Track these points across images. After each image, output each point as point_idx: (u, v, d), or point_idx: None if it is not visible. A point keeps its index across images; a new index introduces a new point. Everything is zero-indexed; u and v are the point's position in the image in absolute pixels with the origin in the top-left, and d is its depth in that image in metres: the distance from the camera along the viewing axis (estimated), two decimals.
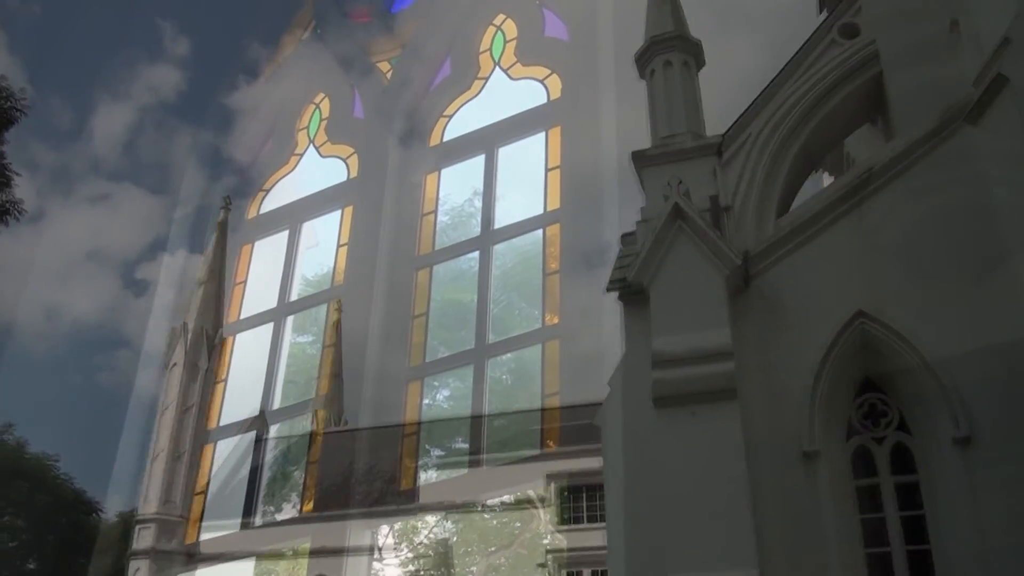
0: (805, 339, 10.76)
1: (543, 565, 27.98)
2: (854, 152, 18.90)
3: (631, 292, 11.12)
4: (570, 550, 28.09)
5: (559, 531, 28.61)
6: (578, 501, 28.92)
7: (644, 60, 13.30)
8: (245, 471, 37.95)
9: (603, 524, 27.41)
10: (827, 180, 17.59)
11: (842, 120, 13.14)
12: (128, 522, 37.73)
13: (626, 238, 12.26)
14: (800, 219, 11.48)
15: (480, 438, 36.86)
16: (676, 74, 12.97)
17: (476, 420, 34.55)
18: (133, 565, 34.91)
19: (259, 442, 38.13)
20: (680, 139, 12.35)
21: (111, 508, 41.70)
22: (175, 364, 39.89)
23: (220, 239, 35.60)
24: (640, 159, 12.28)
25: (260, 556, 33.86)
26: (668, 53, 13.06)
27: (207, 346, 37.14)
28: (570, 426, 30.66)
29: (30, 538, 38.96)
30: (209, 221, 36.29)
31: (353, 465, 36.71)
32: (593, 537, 27.97)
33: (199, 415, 36.84)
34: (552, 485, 28.91)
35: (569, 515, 28.82)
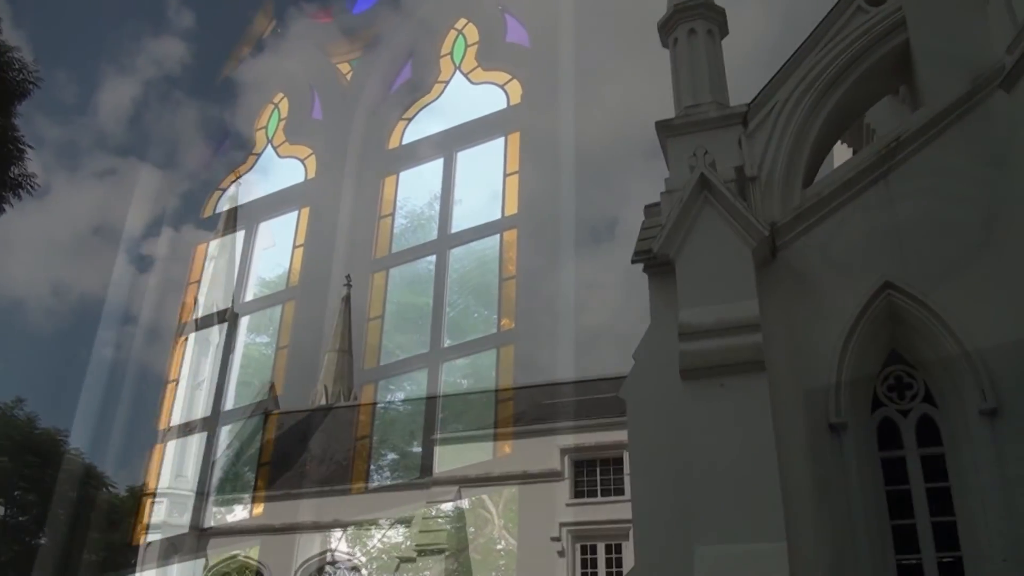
0: (832, 310, 10.66)
1: (557, 539, 28.05)
2: (875, 124, 18.79)
3: (656, 264, 11.01)
4: (584, 523, 28.18)
5: (573, 504, 28.68)
6: (592, 475, 28.99)
7: (668, 28, 13.08)
8: (255, 448, 38.22)
9: (616, 498, 27.86)
10: (842, 152, 17.50)
11: (867, 89, 12.94)
12: (138, 497, 37.92)
13: (649, 209, 12.14)
14: (827, 189, 11.32)
15: (433, 429, 37.24)
16: (700, 42, 12.76)
17: (430, 420, 34.99)
18: (145, 540, 35.16)
19: (267, 417, 38.40)
20: (705, 109, 12.17)
21: (119, 483, 41.94)
22: (186, 339, 40.11)
23: (231, 214, 35.64)
24: (664, 129, 12.12)
25: (271, 532, 34.01)
26: (692, 21, 12.84)
27: (218, 321, 37.28)
28: (584, 400, 30.75)
29: (40, 513, 39.12)
30: (211, 197, 36.27)
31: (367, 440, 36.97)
32: (606, 511, 28.11)
33: (214, 391, 37.03)
34: (566, 459, 28.98)
35: (583, 489, 28.91)
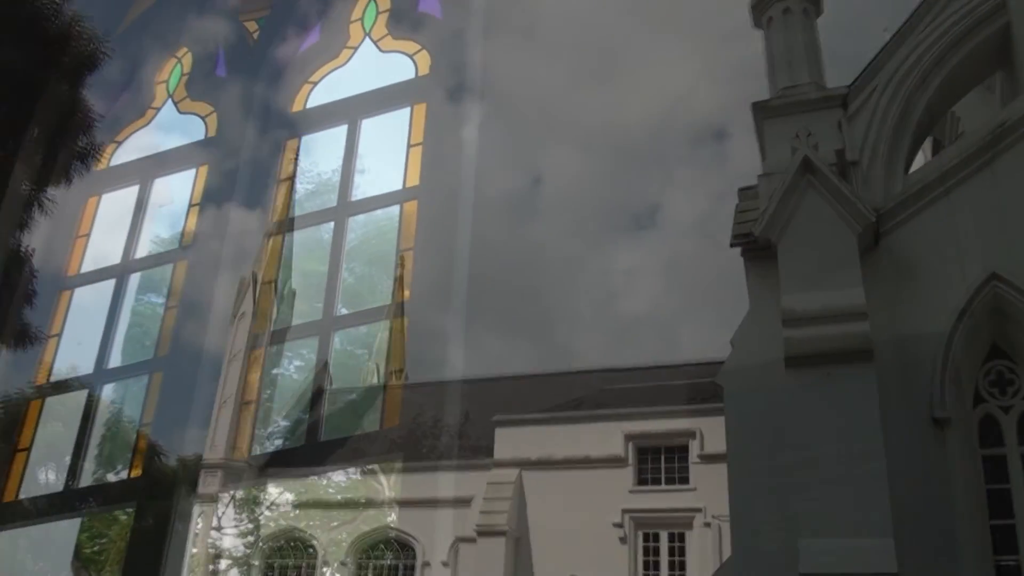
0: (936, 300, 10.35)
1: (619, 525, 27.88)
2: (960, 114, 18.30)
3: (756, 248, 10.76)
4: (647, 511, 27.98)
5: (636, 491, 28.46)
6: (656, 463, 28.75)
7: (761, 7, 12.78)
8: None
9: (680, 486, 27.64)
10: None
11: (966, 74, 12.52)
12: (189, 467, 38.28)
13: (744, 192, 11.87)
14: (931, 176, 10.99)
15: (319, 411, 37.03)
16: (796, 21, 12.47)
17: (318, 393, 34.71)
18: (197, 509, 35.54)
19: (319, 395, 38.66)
20: (803, 90, 11.88)
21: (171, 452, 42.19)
22: (243, 313, 40.37)
23: (288, 189, 35.68)
24: (762, 110, 11.85)
25: (331, 506, 34.24)
26: (787, 0, 12.55)
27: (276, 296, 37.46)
28: (650, 387, 30.53)
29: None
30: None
31: (418, 419, 37.06)
32: (669, 499, 27.88)
33: (267, 363, 37.28)
34: (631, 445, 28.75)
35: (647, 476, 28.68)
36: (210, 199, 29.84)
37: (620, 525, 27.88)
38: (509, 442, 30.26)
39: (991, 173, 10.89)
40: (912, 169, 12.24)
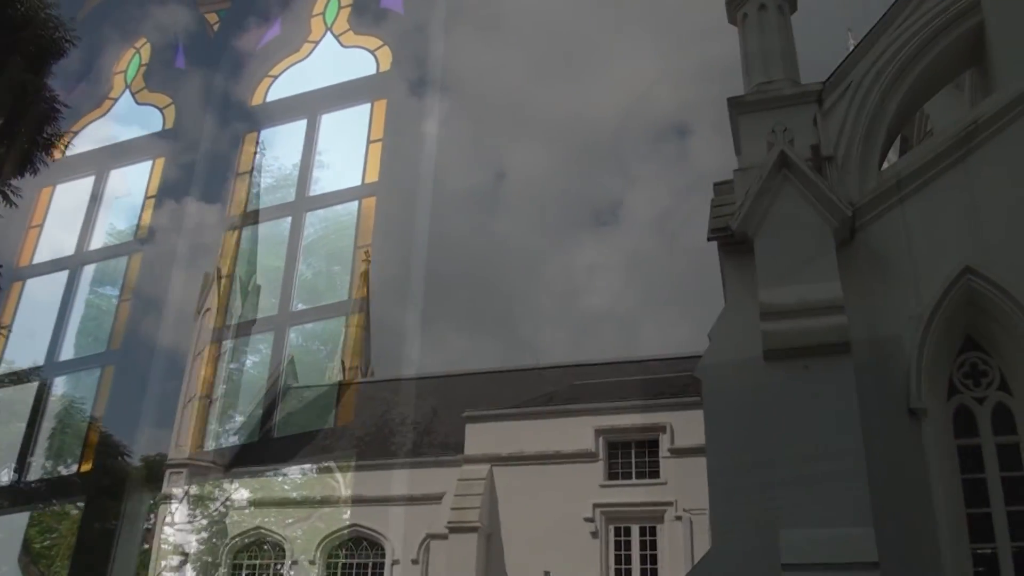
0: (910, 294, 10.52)
1: (590, 519, 27.93)
2: (931, 113, 18.53)
3: (733, 242, 10.83)
4: (618, 505, 28.05)
5: (607, 486, 28.51)
6: (627, 457, 28.83)
7: (736, 3, 12.85)
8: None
9: (651, 481, 27.73)
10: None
11: (939, 72, 12.66)
12: (152, 467, 37.81)
13: (719, 187, 11.94)
14: (906, 171, 11.13)
15: (275, 408, 37.01)
16: (771, 18, 12.53)
17: (275, 390, 34.45)
18: (164, 508, 35.15)
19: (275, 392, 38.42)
20: (778, 85, 11.94)
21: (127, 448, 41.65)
22: (208, 309, 39.94)
23: (247, 184, 35.30)
24: (737, 105, 11.90)
25: (292, 503, 33.96)
26: None
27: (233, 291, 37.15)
28: (619, 381, 30.63)
29: None
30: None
31: (385, 415, 36.94)
32: (640, 493, 27.98)
33: (227, 359, 36.98)
34: (601, 439, 28.80)
35: (618, 470, 28.74)
36: (167, 192, 29.43)
37: (591, 520, 27.94)
38: (479, 438, 30.22)
39: (964, 169, 11.05)
40: (885, 166, 12.39)
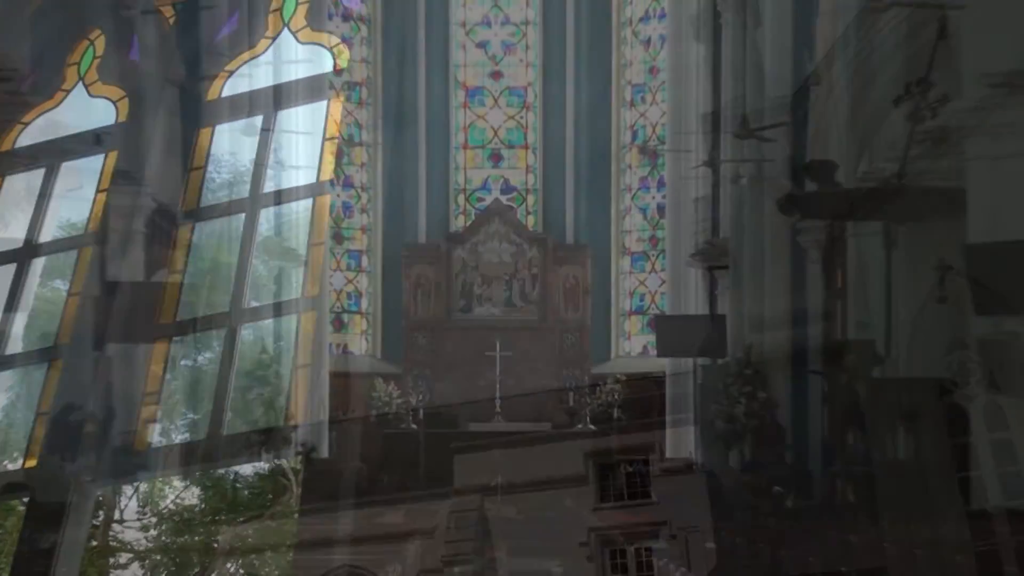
0: (898, 295, 10.59)
1: (584, 544, 27.57)
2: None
3: (715, 255, 10.94)
4: (612, 528, 27.71)
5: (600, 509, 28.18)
6: (617, 479, 28.53)
7: (702, 19, 13.06)
8: None
9: (643, 501, 27.44)
10: None
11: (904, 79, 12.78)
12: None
13: (698, 202, 12.06)
14: (882, 175, 11.22)
15: (222, 409, 36.22)
16: (736, 34, 12.69)
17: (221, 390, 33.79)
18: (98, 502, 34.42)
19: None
20: (748, 99, 12.09)
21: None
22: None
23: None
24: (709, 120, 12.04)
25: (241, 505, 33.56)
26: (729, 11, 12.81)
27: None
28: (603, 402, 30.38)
29: None
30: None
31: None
32: (633, 514, 27.66)
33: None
34: (591, 462, 28.49)
35: (609, 492, 28.43)
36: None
37: (586, 544, 27.60)
38: (468, 469, 29.83)
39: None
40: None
